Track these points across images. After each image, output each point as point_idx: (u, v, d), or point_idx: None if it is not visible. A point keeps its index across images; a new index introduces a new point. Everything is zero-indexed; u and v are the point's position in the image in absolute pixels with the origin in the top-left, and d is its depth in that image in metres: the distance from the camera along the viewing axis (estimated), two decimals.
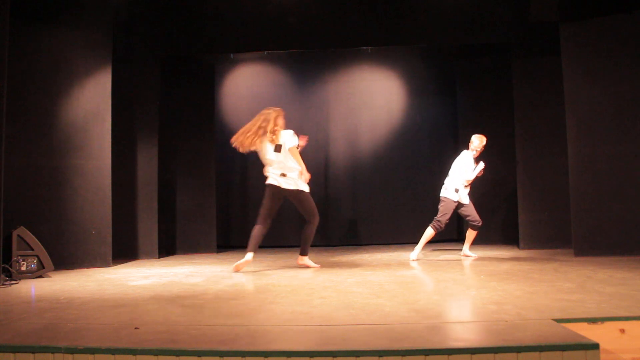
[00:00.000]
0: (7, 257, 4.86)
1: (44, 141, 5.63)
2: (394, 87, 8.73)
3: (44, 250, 5.07)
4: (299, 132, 8.53)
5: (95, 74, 6.03)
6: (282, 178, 5.15)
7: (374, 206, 8.40)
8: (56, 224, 5.61)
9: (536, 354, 2.15)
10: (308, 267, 5.33)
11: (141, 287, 4.27)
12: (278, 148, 5.16)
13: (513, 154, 6.97)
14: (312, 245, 8.18)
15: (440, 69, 8.60)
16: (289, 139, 5.22)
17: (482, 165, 5.91)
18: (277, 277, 4.68)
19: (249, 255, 5.07)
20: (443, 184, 6.05)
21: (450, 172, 6.01)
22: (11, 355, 2.36)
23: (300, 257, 5.38)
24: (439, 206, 5.99)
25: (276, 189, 5.16)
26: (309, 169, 8.67)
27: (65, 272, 5.38)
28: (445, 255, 6.35)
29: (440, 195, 6.01)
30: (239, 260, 5.13)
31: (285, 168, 5.16)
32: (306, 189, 5.24)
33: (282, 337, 2.47)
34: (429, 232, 5.94)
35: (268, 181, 5.21)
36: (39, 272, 5.00)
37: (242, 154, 8.93)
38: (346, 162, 8.45)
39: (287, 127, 8.58)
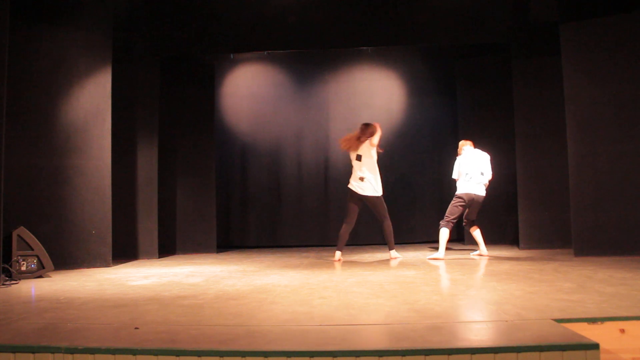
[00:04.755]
0: (7, 257, 4.86)
1: (44, 141, 5.63)
2: (394, 87, 8.73)
3: (44, 250, 5.07)
4: (299, 132, 8.62)
5: (95, 74, 6.03)
6: (360, 182, 5.98)
7: None
8: (56, 224, 5.60)
9: (536, 354, 2.15)
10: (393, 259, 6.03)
11: (141, 287, 4.27)
12: (359, 157, 6.01)
13: (513, 154, 6.97)
14: (312, 245, 8.26)
15: (440, 69, 8.60)
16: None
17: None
18: (277, 277, 4.68)
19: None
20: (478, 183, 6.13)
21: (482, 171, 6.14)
22: (11, 355, 2.36)
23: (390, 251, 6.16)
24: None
25: (353, 192, 6.02)
26: (309, 168, 8.75)
27: (65, 272, 5.38)
28: (446, 255, 6.34)
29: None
30: (239, 260, 5.14)
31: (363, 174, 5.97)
32: (378, 194, 5.99)
33: (282, 337, 2.47)
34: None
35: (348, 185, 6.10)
36: (39, 272, 5.00)
37: (241, 154, 8.97)
38: (346, 162, 8.43)
39: (287, 127, 8.68)
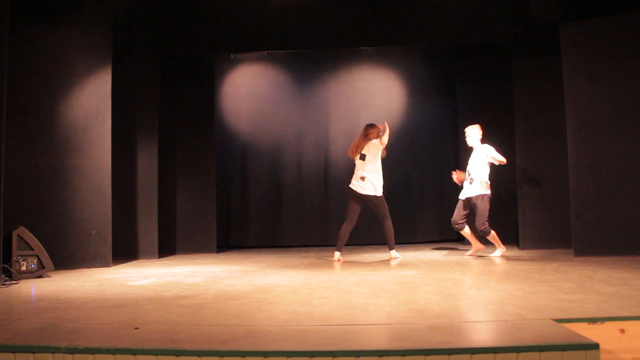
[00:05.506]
0: (7, 257, 4.86)
1: (44, 141, 5.63)
2: (394, 87, 8.73)
3: (44, 250, 5.07)
4: (299, 132, 8.62)
5: (95, 74, 6.03)
6: (360, 182, 5.97)
7: None
8: (56, 224, 5.60)
9: (536, 354, 2.15)
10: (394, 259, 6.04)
11: (141, 287, 4.27)
12: (363, 157, 6.02)
13: (513, 154, 6.97)
14: (312, 245, 8.25)
15: (440, 69, 8.60)
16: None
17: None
18: (277, 277, 4.68)
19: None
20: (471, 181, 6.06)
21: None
22: (11, 355, 2.36)
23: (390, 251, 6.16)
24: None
25: (354, 192, 6.02)
26: (309, 168, 8.74)
27: (65, 272, 5.38)
28: (445, 255, 6.34)
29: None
30: (239, 260, 5.14)
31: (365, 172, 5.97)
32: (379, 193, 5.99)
33: (282, 337, 2.47)
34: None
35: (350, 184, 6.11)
36: (39, 272, 5.00)
37: (241, 154, 8.95)
38: (346, 162, 8.45)
39: (287, 127, 8.69)
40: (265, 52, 8.36)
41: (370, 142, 6.00)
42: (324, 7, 7.06)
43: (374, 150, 5.96)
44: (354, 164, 6.13)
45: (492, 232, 5.90)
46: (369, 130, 6.06)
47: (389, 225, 6.04)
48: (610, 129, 5.70)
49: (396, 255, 6.10)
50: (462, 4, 6.84)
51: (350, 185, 6.05)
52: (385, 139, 5.90)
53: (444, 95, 8.53)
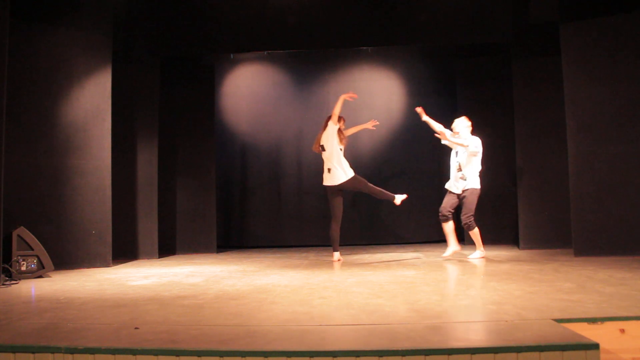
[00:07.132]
0: (7, 257, 4.86)
1: (44, 141, 5.63)
2: (394, 87, 8.73)
3: (44, 250, 5.07)
4: (299, 132, 8.61)
5: (95, 74, 6.03)
6: (329, 175, 5.91)
7: (374, 206, 8.40)
8: (56, 224, 5.61)
9: (536, 354, 2.15)
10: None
11: (141, 287, 4.27)
12: (323, 148, 5.96)
13: (513, 154, 6.97)
14: (312, 245, 8.25)
15: (440, 69, 8.60)
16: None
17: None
18: (277, 277, 4.68)
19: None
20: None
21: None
22: (11, 355, 2.36)
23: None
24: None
25: (329, 187, 5.97)
26: (309, 168, 8.75)
27: (65, 272, 5.38)
28: (446, 256, 6.33)
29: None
30: (239, 260, 5.13)
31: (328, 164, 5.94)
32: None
33: (282, 337, 2.47)
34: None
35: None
36: (39, 272, 5.00)
37: (241, 154, 8.95)
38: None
39: (287, 127, 8.69)
40: (265, 52, 8.36)
41: (324, 131, 5.94)
42: (323, 7, 7.06)
43: (328, 136, 5.87)
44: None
45: (476, 228, 5.76)
46: (326, 122, 5.97)
47: (374, 189, 5.97)
48: (610, 129, 5.70)
49: (401, 197, 5.96)
50: (462, 4, 6.83)
51: (324, 183, 5.98)
52: (337, 109, 5.82)
53: (444, 95, 8.52)
